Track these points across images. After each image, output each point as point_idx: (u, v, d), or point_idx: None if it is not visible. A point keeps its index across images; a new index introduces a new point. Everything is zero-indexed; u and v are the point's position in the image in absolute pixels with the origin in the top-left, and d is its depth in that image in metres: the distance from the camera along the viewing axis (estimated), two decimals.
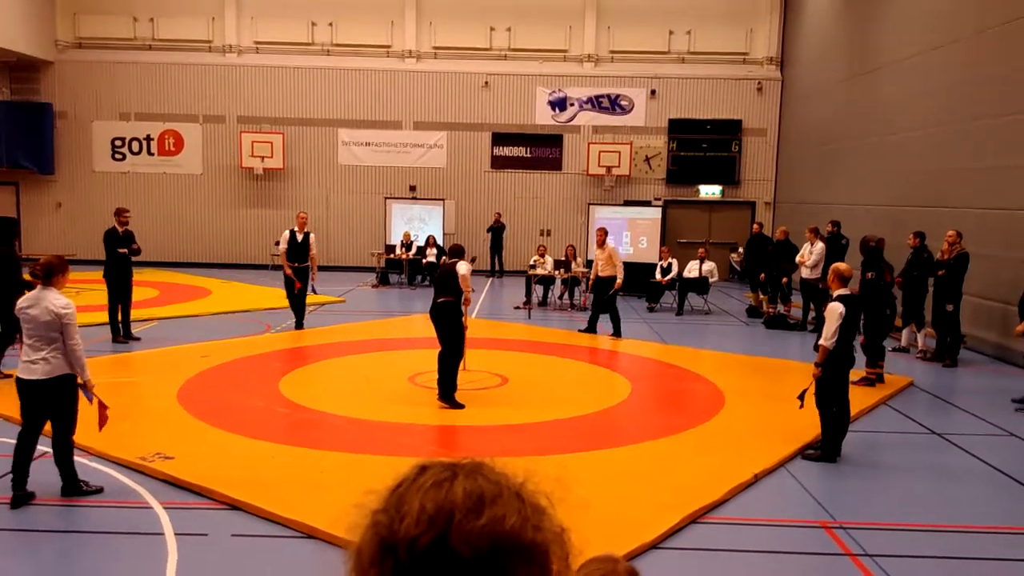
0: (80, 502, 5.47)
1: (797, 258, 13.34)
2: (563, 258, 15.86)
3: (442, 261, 8.67)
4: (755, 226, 16.59)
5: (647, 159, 21.36)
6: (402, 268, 18.89)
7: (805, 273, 13.09)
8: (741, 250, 19.37)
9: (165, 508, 5.36)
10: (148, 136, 21.45)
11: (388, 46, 21.35)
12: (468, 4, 21.15)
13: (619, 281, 12.08)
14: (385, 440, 6.86)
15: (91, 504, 5.46)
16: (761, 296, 14.98)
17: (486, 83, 21.20)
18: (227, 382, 8.80)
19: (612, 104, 21.32)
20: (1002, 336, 11.11)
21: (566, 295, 16.07)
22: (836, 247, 13.14)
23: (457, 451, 6.76)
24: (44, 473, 5.54)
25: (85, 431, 5.77)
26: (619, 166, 20.76)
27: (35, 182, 21.32)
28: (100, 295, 11.32)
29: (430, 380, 8.42)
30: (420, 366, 9.42)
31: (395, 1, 21.15)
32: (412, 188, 21.39)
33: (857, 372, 8.93)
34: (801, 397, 6.79)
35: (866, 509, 5.72)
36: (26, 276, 5.45)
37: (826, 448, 6.71)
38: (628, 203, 20.08)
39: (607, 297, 12.14)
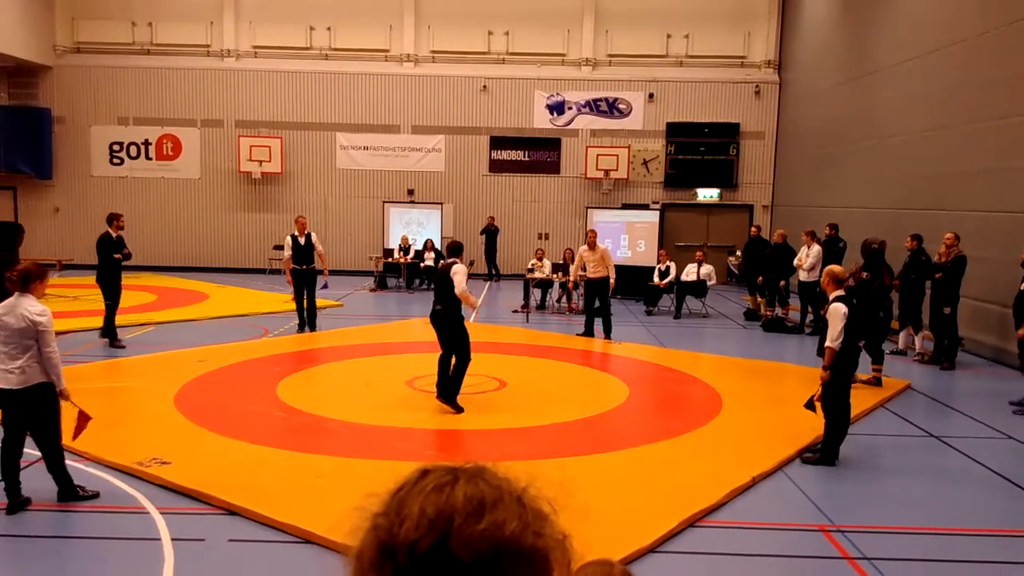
0: (76, 507, 5.45)
1: (795, 261, 13.36)
2: (561, 261, 15.87)
3: (440, 264, 8.63)
4: (753, 229, 16.60)
5: (645, 162, 21.38)
6: (400, 272, 18.90)
7: (802, 276, 13.11)
8: (739, 253, 19.37)
9: (162, 513, 5.35)
10: (146, 140, 21.44)
11: (386, 50, 21.37)
12: (466, 8, 21.18)
13: (612, 282, 12.14)
14: (383, 444, 6.85)
15: (87, 509, 5.44)
16: (759, 299, 15.00)
17: (484, 87, 21.23)
18: (224, 386, 8.78)
19: (610, 107, 21.34)
20: (1000, 339, 11.12)
21: (564, 298, 16.08)
22: (833, 250, 13.16)
23: (456, 455, 6.76)
24: (39, 479, 5.52)
25: (83, 436, 5.75)
26: (617, 169, 20.77)
27: (33, 187, 21.31)
28: (96, 301, 11.29)
29: (428, 384, 8.41)
30: (418, 370, 9.42)
31: (393, 5, 21.18)
32: (410, 192, 21.39)
33: (863, 373, 8.97)
34: (811, 405, 6.72)
35: (864, 512, 5.71)
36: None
37: (825, 451, 6.70)
38: (626, 206, 20.08)
39: (606, 302, 12.18)
